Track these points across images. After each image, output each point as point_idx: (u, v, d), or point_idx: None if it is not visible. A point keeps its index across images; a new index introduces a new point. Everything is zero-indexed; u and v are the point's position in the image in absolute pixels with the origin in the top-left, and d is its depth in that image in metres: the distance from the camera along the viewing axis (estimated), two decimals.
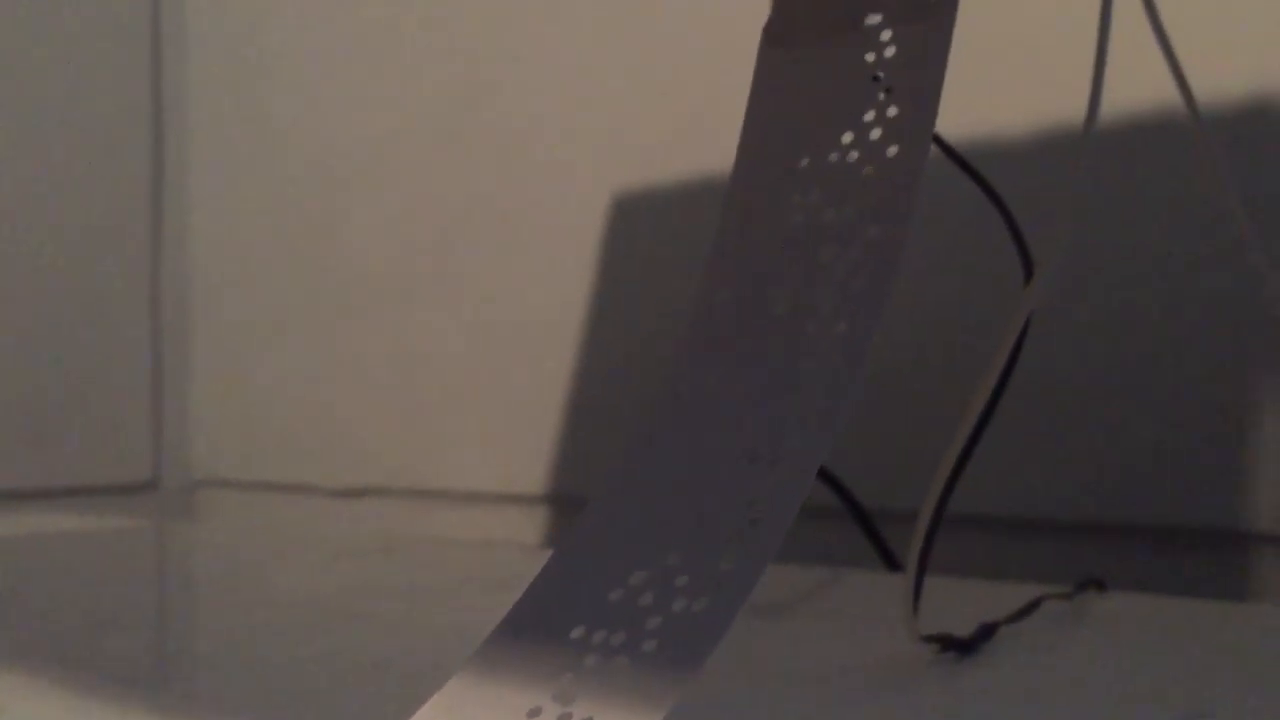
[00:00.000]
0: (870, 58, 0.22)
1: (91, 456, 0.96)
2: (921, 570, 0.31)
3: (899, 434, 0.66)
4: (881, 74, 0.22)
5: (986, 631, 0.34)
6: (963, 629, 0.33)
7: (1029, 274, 0.31)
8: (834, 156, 0.22)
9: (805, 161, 0.22)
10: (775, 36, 0.23)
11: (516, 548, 0.62)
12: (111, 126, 0.98)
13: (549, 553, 0.21)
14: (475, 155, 0.88)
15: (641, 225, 0.81)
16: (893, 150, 0.21)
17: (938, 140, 0.33)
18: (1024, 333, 0.31)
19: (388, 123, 0.92)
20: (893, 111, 0.21)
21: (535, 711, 0.18)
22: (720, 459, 0.20)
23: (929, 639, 0.32)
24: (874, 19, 0.22)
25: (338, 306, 0.94)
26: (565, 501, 0.84)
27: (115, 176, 0.98)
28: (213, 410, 1.01)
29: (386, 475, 0.91)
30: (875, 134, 0.22)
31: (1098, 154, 0.62)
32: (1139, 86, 0.59)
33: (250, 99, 1.00)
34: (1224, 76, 0.60)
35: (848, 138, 0.22)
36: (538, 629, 0.19)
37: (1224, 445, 0.60)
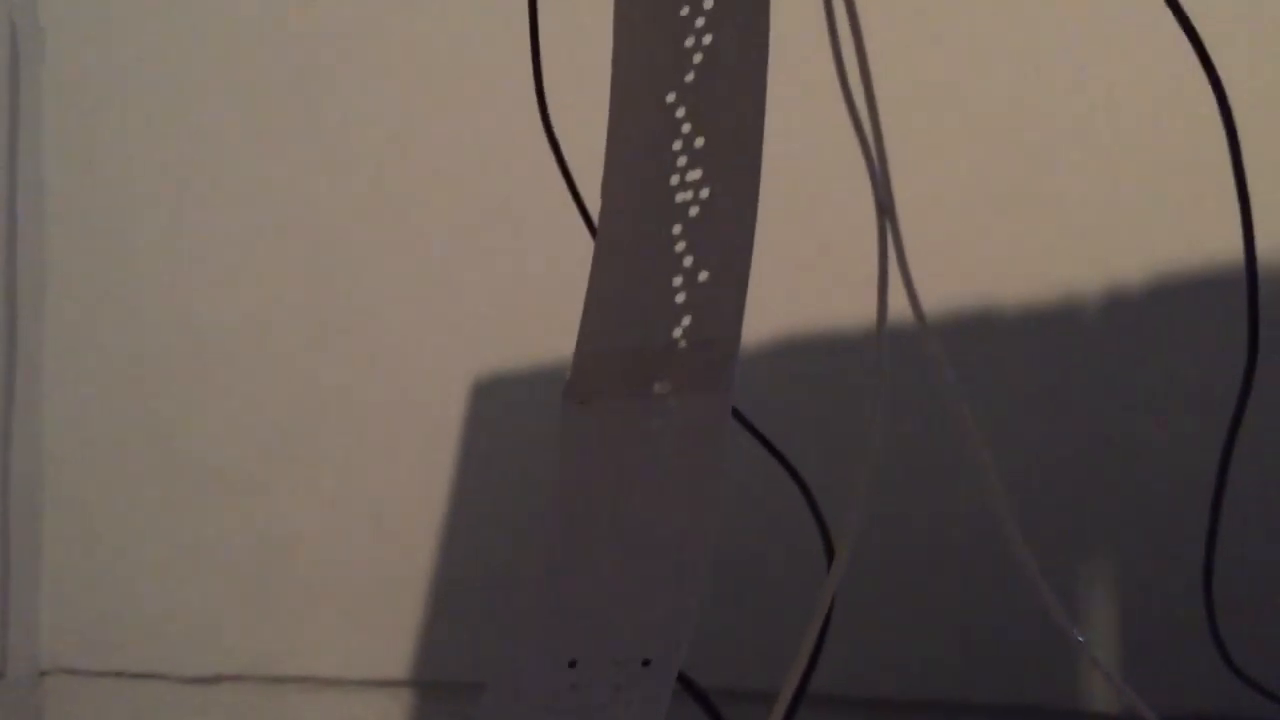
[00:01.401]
0: (658, 424, 0.24)
1: None
2: None
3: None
4: (669, 437, 0.24)
5: None
6: None
7: (830, 555, 0.33)
8: (630, 514, 0.24)
9: (607, 517, 0.24)
10: (575, 395, 0.25)
11: None
12: None
13: None
14: (334, 339, 0.89)
15: (501, 407, 0.82)
16: (680, 513, 0.23)
17: (743, 420, 0.35)
18: (831, 608, 0.33)
19: (247, 307, 0.92)
20: (681, 476, 0.23)
21: None
22: None
23: None
24: (662, 387, 0.24)
25: (192, 490, 0.93)
26: (428, 686, 0.83)
27: None
28: (61, 597, 0.98)
29: (242, 662, 0.89)
30: (665, 493, 0.23)
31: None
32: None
33: (108, 281, 0.99)
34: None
35: (641, 496, 0.24)
36: None
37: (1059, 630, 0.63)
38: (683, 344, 0.24)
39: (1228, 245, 0.59)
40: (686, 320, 0.24)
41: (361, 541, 0.86)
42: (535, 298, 0.82)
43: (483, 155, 0.84)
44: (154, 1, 0.97)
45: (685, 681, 0.54)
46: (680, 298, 0.25)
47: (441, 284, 0.85)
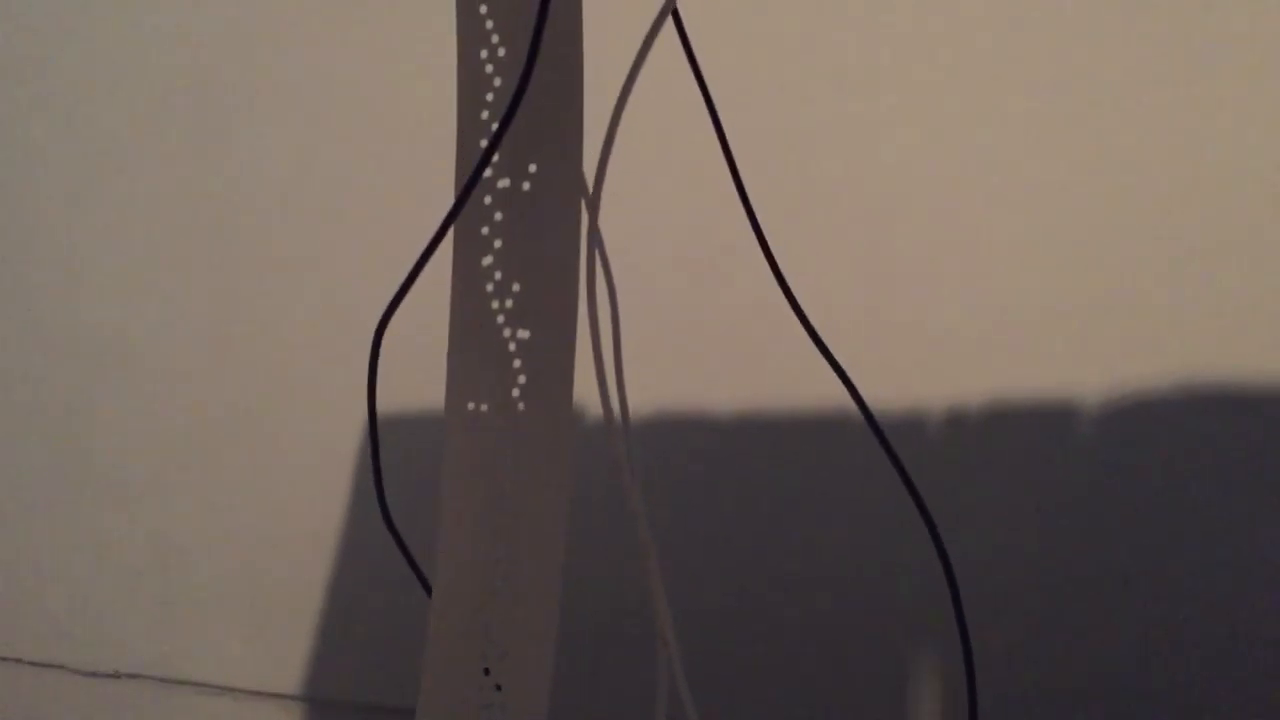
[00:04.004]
0: None
1: None
2: None
3: None
4: None
5: None
6: None
7: None
8: None
9: None
10: None
11: None
12: None
13: None
14: (236, 354, 0.90)
15: (397, 439, 0.85)
16: None
17: None
18: None
19: (148, 315, 0.93)
20: None
21: None
22: None
23: None
24: None
25: (91, 493, 0.95)
26: (317, 702, 0.88)
27: None
28: None
29: (139, 662, 0.93)
30: None
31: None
32: None
33: (3, 282, 0.98)
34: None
35: None
36: None
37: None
38: None
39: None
40: None
41: (256, 555, 0.89)
42: (434, 338, 0.83)
43: (394, 181, 0.84)
44: (63, 6, 0.95)
45: None
46: None
47: (344, 310, 0.86)
